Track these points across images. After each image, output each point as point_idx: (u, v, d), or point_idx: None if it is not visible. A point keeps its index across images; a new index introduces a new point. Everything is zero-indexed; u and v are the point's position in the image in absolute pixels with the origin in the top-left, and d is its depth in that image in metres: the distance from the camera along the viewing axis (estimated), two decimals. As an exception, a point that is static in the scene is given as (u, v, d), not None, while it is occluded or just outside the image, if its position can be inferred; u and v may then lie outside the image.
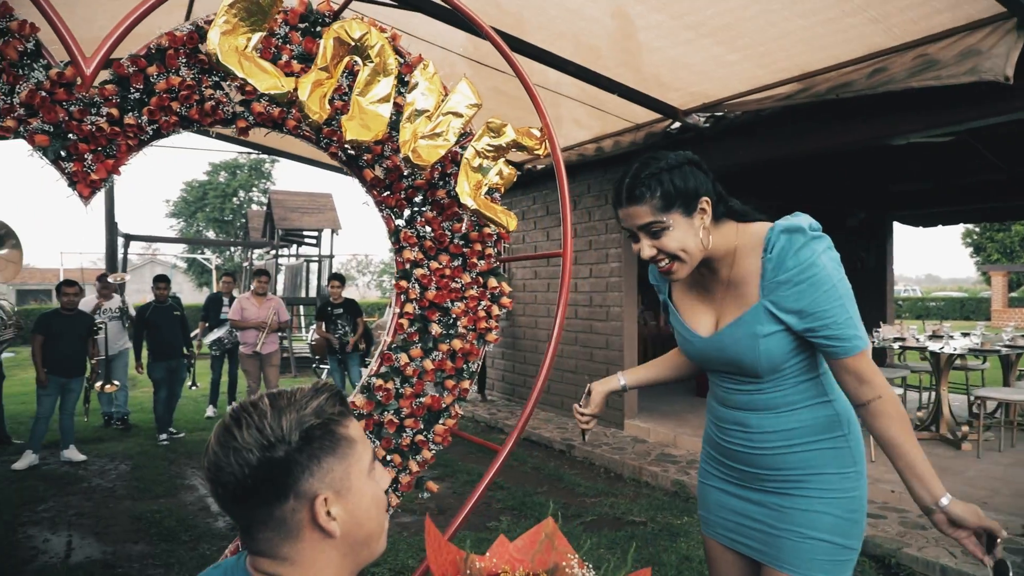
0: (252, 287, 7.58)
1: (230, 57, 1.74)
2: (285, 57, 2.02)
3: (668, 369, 1.94)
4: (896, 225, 10.34)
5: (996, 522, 1.36)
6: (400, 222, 2.34)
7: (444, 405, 2.36)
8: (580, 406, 1.88)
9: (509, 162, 2.21)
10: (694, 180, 1.49)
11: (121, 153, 1.90)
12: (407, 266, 2.32)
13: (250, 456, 0.86)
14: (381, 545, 0.96)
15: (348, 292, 9.51)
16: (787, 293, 1.44)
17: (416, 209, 2.34)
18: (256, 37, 1.80)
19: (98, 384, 6.87)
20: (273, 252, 15.28)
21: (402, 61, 2.19)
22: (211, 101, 1.97)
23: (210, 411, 8.22)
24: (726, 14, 3.81)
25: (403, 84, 2.14)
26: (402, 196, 2.31)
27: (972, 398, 6.43)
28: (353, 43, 1.91)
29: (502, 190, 2.23)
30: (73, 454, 6.00)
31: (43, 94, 1.76)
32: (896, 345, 6.16)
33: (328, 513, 0.89)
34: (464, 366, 2.39)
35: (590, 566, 1.16)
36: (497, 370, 9.00)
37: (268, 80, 1.79)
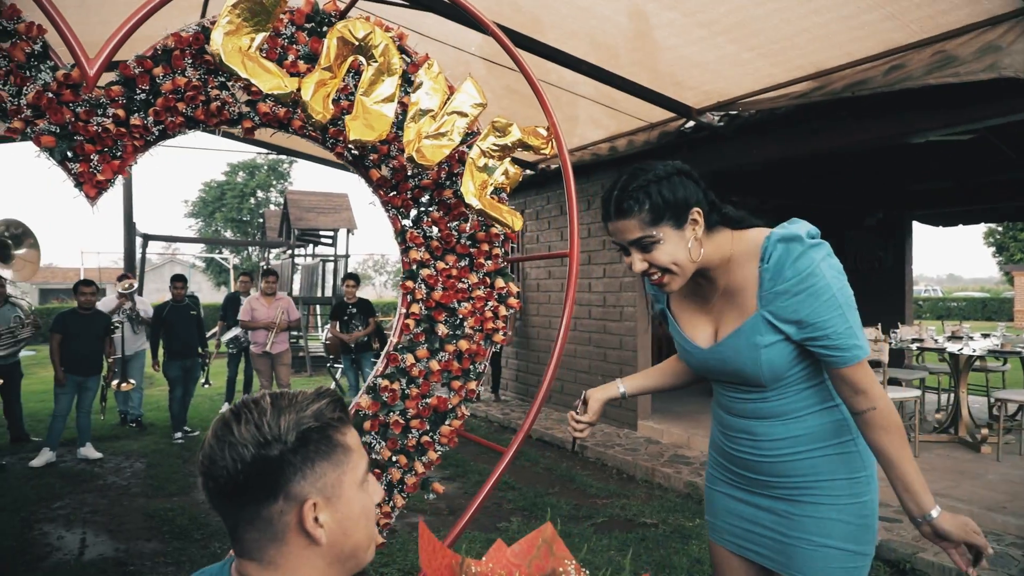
0: (260, 287, 7.63)
1: (233, 57, 1.74)
2: (291, 57, 2.02)
3: (669, 376, 1.89)
4: (916, 225, 10.19)
5: (983, 539, 1.36)
6: (406, 222, 2.33)
7: (451, 406, 2.34)
8: (576, 414, 1.82)
9: (516, 161, 2.20)
10: (684, 191, 1.45)
11: (127, 154, 1.90)
12: (413, 266, 2.31)
13: (245, 452, 0.86)
14: (368, 556, 0.96)
15: (364, 292, 9.55)
16: (786, 303, 1.41)
17: (422, 209, 2.33)
18: (260, 37, 1.80)
19: (114, 383, 6.93)
20: (289, 252, 15.37)
21: (408, 61, 2.18)
22: (217, 102, 1.97)
23: (225, 409, 8.27)
24: (739, 11, 3.77)
25: (409, 84, 2.12)
26: (408, 196, 2.30)
27: (992, 400, 6.32)
28: (357, 43, 1.90)
29: (508, 190, 2.20)
30: (89, 452, 6.07)
31: (50, 95, 1.77)
32: (914, 346, 6.07)
33: (316, 520, 0.88)
34: (471, 367, 2.37)
35: (587, 573, 1.14)
36: (511, 370, 8.98)
37: (271, 80, 1.79)
